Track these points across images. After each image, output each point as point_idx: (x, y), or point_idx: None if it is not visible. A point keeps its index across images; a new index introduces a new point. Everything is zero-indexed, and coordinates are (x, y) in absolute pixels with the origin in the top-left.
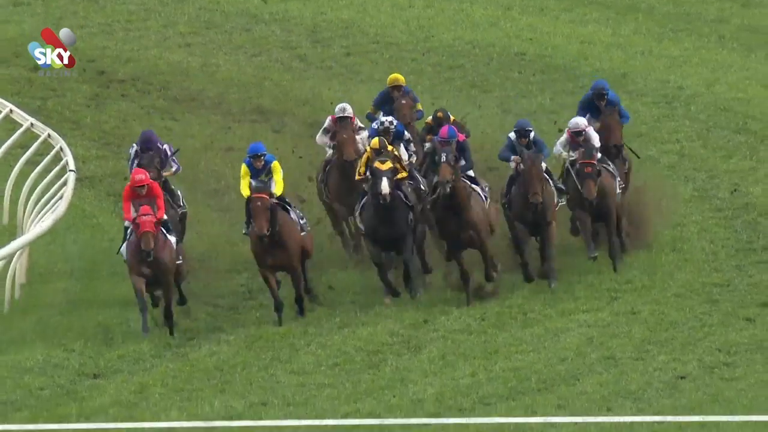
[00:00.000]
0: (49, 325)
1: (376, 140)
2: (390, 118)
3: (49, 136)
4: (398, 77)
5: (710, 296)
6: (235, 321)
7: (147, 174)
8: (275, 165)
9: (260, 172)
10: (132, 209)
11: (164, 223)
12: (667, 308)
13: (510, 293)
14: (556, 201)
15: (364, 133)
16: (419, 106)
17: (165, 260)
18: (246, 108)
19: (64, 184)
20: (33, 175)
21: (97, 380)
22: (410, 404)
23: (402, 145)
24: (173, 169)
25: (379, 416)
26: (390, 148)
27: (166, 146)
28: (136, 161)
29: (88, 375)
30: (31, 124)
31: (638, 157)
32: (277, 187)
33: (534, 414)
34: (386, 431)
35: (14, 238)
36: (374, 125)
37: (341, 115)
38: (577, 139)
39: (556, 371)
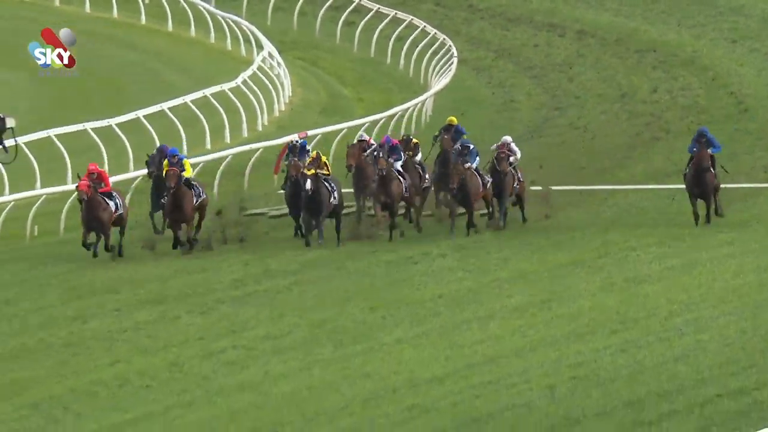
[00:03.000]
0: None
1: (314, 152)
2: (295, 137)
3: (443, 40)
4: (451, 119)
5: None
6: None
7: (97, 165)
8: (186, 161)
9: (176, 166)
10: (89, 182)
11: (109, 194)
12: None
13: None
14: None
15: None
16: (465, 137)
17: (103, 217)
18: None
19: (451, 64)
20: (434, 61)
21: None
22: None
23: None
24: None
25: None
26: (323, 159)
27: (174, 149)
28: (155, 157)
29: None
30: (424, 27)
31: (727, 172)
32: (187, 173)
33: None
34: None
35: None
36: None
37: (360, 138)
38: (503, 149)
39: None
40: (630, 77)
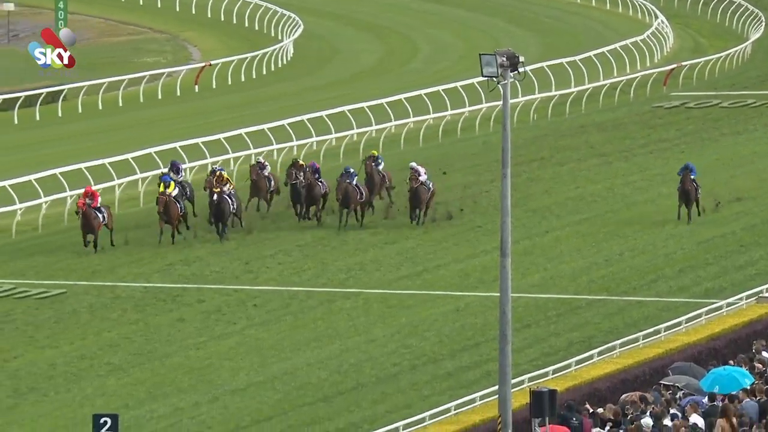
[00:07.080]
0: None
1: (219, 173)
2: (218, 167)
3: (757, 12)
4: (374, 152)
5: None
6: None
7: (91, 187)
8: (171, 183)
9: (168, 185)
10: (85, 200)
11: (98, 208)
12: None
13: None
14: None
15: (269, 167)
16: (381, 167)
17: (93, 223)
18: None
19: (760, 26)
20: (753, 24)
21: None
22: None
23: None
24: (179, 177)
25: None
26: (225, 176)
27: (180, 165)
28: (166, 174)
29: None
30: (746, 5)
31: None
32: (172, 192)
33: None
34: None
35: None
36: (210, 171)
37: (258, 161)
38: (414, 174)
39: None
40: None
